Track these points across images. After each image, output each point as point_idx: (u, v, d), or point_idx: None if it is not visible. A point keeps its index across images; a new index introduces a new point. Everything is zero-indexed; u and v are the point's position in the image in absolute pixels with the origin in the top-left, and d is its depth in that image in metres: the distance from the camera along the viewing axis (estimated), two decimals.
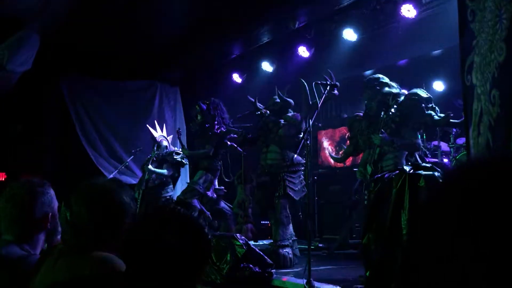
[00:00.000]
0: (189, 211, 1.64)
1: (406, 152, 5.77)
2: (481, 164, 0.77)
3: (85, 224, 1.91)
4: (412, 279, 0.74)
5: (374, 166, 5.67)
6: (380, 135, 5.60)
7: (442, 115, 5.68)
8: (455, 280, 0.68)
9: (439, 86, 8.40)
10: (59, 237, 2.43)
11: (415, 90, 5.86)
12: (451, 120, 5.59)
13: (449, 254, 0.70)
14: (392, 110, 5.67)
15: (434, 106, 5.75)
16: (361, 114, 6.36)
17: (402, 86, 6.17)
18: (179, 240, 1.51)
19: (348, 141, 6.62)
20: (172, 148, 8.82)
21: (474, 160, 0.81)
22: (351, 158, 9.69)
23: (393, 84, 6.03)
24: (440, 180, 3.23)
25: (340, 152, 7.44)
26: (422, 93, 5.78)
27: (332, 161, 10.20)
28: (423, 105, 5.67)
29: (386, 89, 5.93)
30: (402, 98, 5.85)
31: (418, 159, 5.72)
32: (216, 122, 7.91)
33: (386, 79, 6.03)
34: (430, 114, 5.67)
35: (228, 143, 7.87)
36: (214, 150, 7.92)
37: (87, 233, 1.91)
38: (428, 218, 0.75)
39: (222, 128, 7.90)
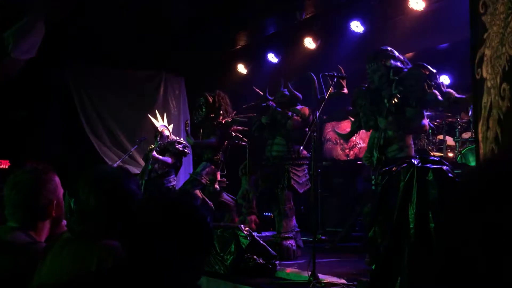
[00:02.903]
0: (191, 200, 1.63)
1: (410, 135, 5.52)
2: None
3: (92, 211, 1.89)
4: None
5: (380, 151, 5.42)
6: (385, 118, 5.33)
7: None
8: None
9: (445, 80, 8.35)
10: (64, 222, 2.41)
11: (417, 64, 5.44)
12: (456, 96, 5.18)
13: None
14: (396, 100, 5.28)
15: (438, 82, 5.33)
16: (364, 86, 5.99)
17: None
18: (181, 229, 1.50)
19: (352, 118, 6.21)
20: (174, 137, 8.79)
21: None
22: (354, 152, 9.68)
23: (401, 58, 5.67)
24: (450, 174, 3.21)
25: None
26: (424, 68, 5.33)
27: (333, 153, 10.17)
28: (425, 81, 5.24)
29: (392, 61, 5.56)
30: (404, 73, 5.48)
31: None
32: (221, 113, 7.90)
33: (395, 52, 5.64)
34: (435, 94, 5.23)
35: (233, 133, 7.86)
36: (219, 141, 7.90)
37: (94, 220, 1.89)
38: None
39: (227, 119, 7.89)
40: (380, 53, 5.62)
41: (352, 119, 6.12)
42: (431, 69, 5.32)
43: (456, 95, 5.22)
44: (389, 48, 5.66)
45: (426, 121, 5.57)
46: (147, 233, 1.50)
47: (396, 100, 5.30)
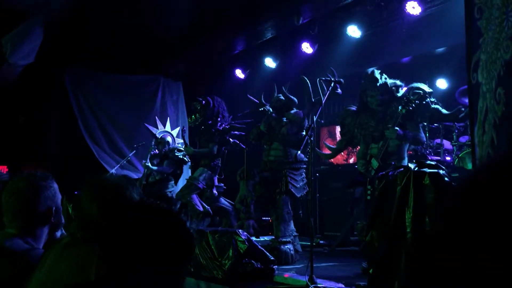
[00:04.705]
0: (169, 205, 1.64)
1: (407, 146, 5.78)
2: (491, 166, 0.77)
3: (94, 219, 1.90)
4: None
5: (383, 160, 5.62)
6: (396, 128, 5.51)
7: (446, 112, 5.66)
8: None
9: (442, 84, 8.38)
10: (58, 233, 2.41)
11: (417, 84, 5.77)
12: (459, 116, 5.56)
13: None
14: (413, 104, 5.51)
15: (436, 100, 5.73)
16: (353, 108, 6.28)
17: (405, 83, 6.12)
18: (157, 234, 1.50)
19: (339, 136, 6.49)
20: (175, 144, 8.78)
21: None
22: (352, 156, 9.69)
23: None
24: (446, 179, 3.22)
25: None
26: (425, 87, 5.72)
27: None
28: (428, 99, 5.62)
29: (391, 81, 5.89)
30: (405, 90, 5.77)
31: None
32: (219, 119, 7.89)
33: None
34: (437, 108, 5.63)
35: (231, 140, 7.85)
36: (219, 148, 7.90)
37: (95, 227, 1.90)
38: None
39: (225, 125, 7.88)
40: (380, 74, 5.89)
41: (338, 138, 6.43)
42: (429, 88, 5.73)
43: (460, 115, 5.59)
44: (379, 70, 5.97)
45: (423, 134, 5.87)
46: (125, 240, 1.50)
47: (403, 113, 5.55)
